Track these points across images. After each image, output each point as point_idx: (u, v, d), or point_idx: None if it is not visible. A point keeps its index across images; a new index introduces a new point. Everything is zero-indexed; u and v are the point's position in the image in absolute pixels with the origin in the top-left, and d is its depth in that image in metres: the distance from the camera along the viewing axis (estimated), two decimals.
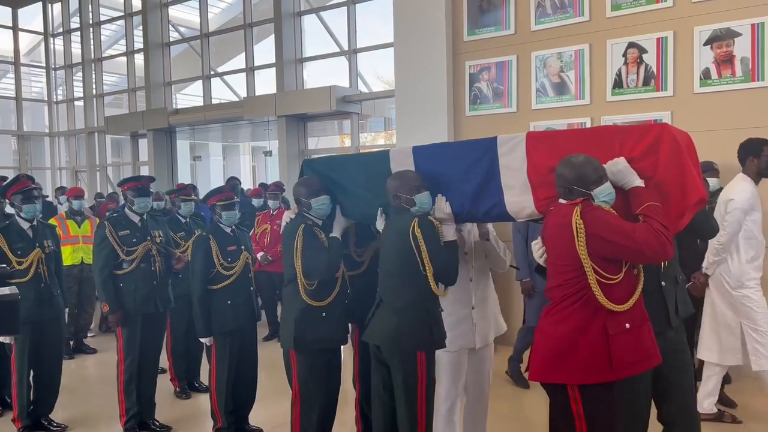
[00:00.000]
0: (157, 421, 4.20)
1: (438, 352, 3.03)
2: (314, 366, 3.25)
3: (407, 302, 2.86)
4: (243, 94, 10.50)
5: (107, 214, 4.70)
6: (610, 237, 2.29)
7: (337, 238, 3.20)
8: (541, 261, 2.61)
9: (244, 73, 10.49)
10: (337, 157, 4.68)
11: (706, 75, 5.04)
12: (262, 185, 8.01)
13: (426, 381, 2.89)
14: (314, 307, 3.20)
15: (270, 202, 6.43)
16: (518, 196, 2.74)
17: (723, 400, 4.29)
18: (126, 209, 4.20)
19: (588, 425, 2.36)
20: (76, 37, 13.32)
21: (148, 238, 4.13)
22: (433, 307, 2.92)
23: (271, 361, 5.66)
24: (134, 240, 4.07)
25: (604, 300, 2.32)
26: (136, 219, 4.15)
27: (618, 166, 2.41)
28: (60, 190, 8.69)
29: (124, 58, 12.50)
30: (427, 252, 2.79)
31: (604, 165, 2.42)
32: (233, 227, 4.01)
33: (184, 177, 11.63)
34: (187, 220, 4.87)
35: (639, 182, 2.40)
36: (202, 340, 3.90)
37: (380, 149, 9.05)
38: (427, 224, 2.83)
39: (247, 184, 12.84)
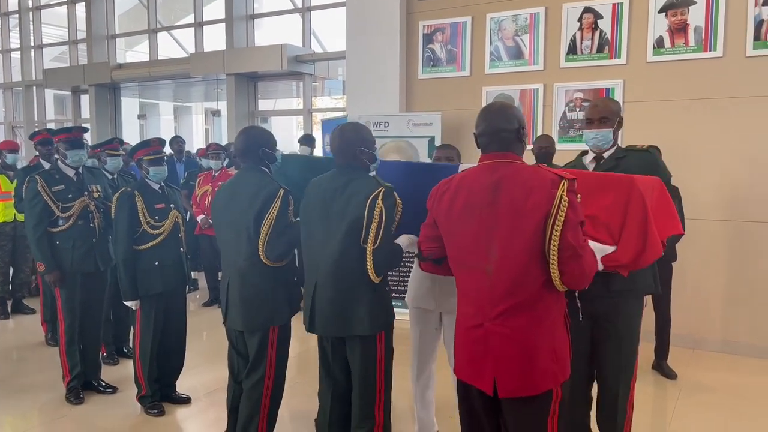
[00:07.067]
0: (104, 381, 4.05)
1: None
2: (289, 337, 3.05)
3: (354, 283, 2.56)
4: (192, 51, 10.03)
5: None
6: (575, 234, 1.94)
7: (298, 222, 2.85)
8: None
9: (193, 29, 10.00)
10: (309, 157, 4.45)
11: (659, 43, 4.96)
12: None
13: (385, 355, 2.68)
14: (291, 271, 2.98)
15: (212, 162, 6.14)
16: None
17: (665, 371, 4.33)
18: (59, 163, 3.94)
19: (558, 424, 2.09)
20: None
21: (85, 193, 3.91)
22: (382, 282, 2.64)
23: (205, 327, 5.51)
24: (70, 195, 3.85)
25: (561, 286, 1.97)
26: (71, 173, 3.91)
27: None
28: None
29: (65, 9, 11.77)
30: (377, 228, 2.48)
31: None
32: (162, 184, 3.77)
33: (130, 137, 11.12)
34: (114, 176, 4.56)
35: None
36: (127, 303, 3.65)
37: (339, 112, 8.82)
38: (391, 199, 2.54)
39: (199, 145, 12.40)
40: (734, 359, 4.69)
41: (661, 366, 4.37)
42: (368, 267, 2.51)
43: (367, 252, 2.51)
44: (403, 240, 2.64)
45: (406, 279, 5.43)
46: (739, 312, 4.79)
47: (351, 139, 2.65)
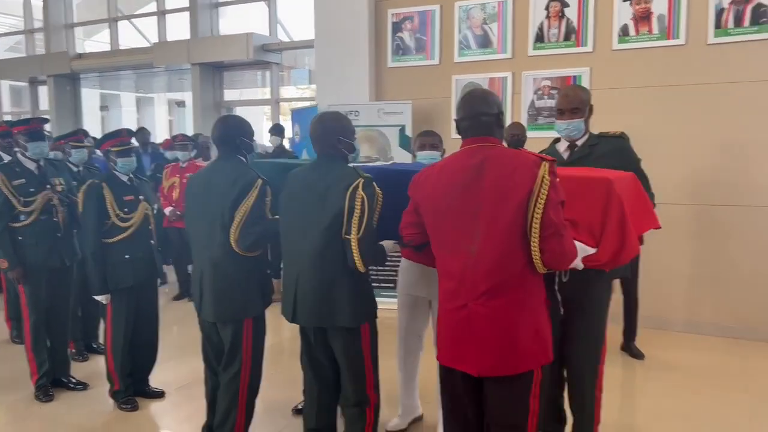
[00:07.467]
0: (74, 378, 3.98)
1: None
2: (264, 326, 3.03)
3: (337, 274, 2.52)
4: (154, 40, 9.80)
5: None
6: (556, 213, 1.99)
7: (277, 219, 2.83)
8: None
9: (155, 18, 9.77)
10: (279, 162, 4.34)
11: (624, 31, 5.04)
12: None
13: (370, 343, 2.68)
14: (264, 263, 2.98)
15: (179, 154, 6.03)
16: None
17: (633, 352, 4.44)
18: (20, 156, 3.83)
19: (539, 406, 2.12)
20: None
21: (48, 187, 3.80)
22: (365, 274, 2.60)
23: (176, 321, 5.44)
24: (32, 190, 3.74)
25: (542, 266, 2.01)
26: (32, 166, 3.80)
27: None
28: None
29: None
30: (360, 218, 2.45)
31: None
32: (130, 176, 3.70)
33: (91, 129, 10.81)
34: (80, 169, 4.45)
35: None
36: (98, 298, 3.59)
37: (306, 102, 8.76)
38: (371, 189, 2.50)
39: (163, 137, 12.16)
40: (698, 338, 4.84)
41: (629, 347, 4.48)
42: (355, 257, 2.47)
43: (352, 242, 2.47)
44: (387, 244, 2.62)
45: (382, 270, 5.44)
46: (702, 293, 4.94)
47: (330, 128, 2.63)
